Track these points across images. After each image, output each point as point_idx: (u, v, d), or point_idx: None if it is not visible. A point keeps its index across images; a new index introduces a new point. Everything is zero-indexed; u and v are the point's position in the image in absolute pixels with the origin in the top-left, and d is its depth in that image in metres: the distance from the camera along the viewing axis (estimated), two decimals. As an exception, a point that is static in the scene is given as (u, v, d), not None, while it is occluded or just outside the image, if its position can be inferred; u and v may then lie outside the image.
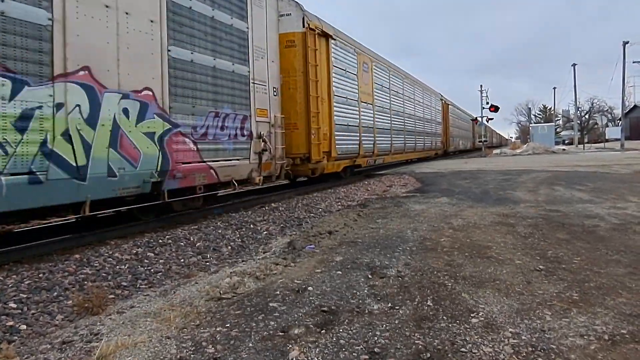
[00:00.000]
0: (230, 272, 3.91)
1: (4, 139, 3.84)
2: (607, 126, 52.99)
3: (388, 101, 15.64)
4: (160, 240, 5.15)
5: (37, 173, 4.10)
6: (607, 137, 46.36)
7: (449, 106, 29.41)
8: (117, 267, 4.21)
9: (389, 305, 3.00)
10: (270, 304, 3.07)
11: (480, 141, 35.28)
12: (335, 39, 11.06)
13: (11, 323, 2.97)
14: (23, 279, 3.73)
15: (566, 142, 55.88)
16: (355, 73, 12.49)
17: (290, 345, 2.44)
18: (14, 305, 3.23)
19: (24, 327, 2.95)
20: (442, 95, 26.88)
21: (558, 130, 63.06)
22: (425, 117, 21.69)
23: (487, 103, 33.36)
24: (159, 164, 5.46)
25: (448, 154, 29.14)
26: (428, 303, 3.01)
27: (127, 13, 5.04)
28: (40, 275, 3.85)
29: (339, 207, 8.06)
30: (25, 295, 3.42)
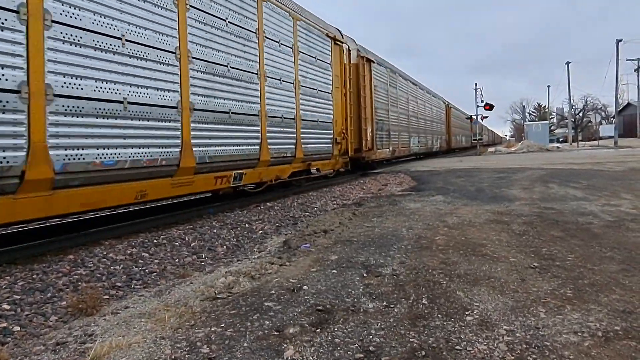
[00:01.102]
0: (226, 272, 3.90)
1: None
2: (601, 124, 53.38)
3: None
4: (155, 240, 5.13)
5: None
6: (600, 135, 46.72)
7: (383, 70, 15.65)
8: (112, 267, 4.19)
9: (384, 303, 3.00)
10: (266, 304, 3.07)
11: (475, 139, 35.22)
12: None
13: (4, 324, 2.95)
14: (16, 280, 3.70)
15: (560, 140, 56.20)
16: None
17: (285, 345, 2.44)
18: (8, 307, 3.21)
19: (18, 328, 2.93)
20: (337, 34, 11.25)
21: (552, 128, 63.47)
22: (272, 77, 8.10)
23: (482, 101, 33.42)
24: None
25: (373, 168, 15.14)
26: (423, 301, 3.02)
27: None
28: (34, 276, 3.82)
29: (335, 205, 8.06)
30: (18, 297, 3.39)
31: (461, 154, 33.15)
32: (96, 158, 4.72)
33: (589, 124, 61.62)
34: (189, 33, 6.07)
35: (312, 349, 2.39)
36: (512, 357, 2.23)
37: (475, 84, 35.49)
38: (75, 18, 4.52)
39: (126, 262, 4.37)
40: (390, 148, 16.53)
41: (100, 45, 4.77)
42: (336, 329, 2.62)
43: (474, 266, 3.75)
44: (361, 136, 13.09)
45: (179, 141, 5.84)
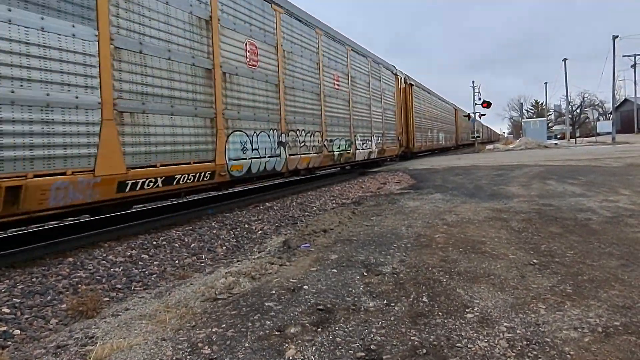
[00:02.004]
0: (226, 273, 3.90)
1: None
2: (599, 120, 53.38)
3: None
4: (155, 242, 5.12)
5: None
6: (598, 131, 46.71)
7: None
8: (111, 269, 4.18)
9: (385, 302, 3.00)
10: (266, 304, 3.07)
11: (473, 137, 35.09)
12: None
13: (4, 328, 2.94)
14: (16, 284, 3.69)
15: (558, 136, 56.31)
16: None
17: (286, 345, 2.44)
18: (7, 310, 3.20)
19: (18, 332, 2.93)
20: None
21: (550, 125, 63.58)
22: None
23: (480, 99, 33.31)
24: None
25: None
26: (423, 299, 3.02)
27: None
28: (34, 279, 3.81)
29: (334, 205, 8.06)
30: (18, 300, 3.38)
31: (451, 153, 27.81)
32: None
33: (587, 120, 61.66)
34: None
35: (314, 348, 2.39)
36: (513, 354, 2.24)
37: (473, 82, 35.32)
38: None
39: (126, 264, 4.37)
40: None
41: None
42: (337, 328, 2.62)
43: (474, 264, 3.75)
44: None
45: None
